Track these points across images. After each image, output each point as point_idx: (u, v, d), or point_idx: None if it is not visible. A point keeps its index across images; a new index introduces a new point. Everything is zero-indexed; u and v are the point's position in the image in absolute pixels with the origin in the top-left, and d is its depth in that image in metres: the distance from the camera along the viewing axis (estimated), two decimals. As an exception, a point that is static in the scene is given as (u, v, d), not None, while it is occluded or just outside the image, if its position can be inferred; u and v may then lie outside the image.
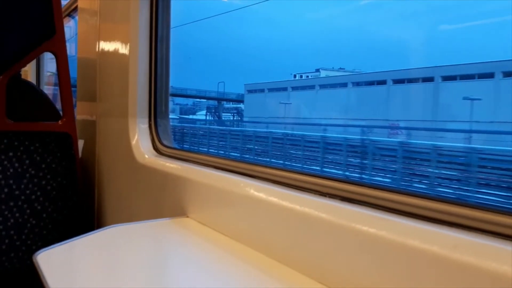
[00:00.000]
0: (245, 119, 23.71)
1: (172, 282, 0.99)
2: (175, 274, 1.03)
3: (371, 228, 0.75)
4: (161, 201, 1.52)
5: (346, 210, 0.84)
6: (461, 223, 0.69)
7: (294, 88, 20.74)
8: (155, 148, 1.70)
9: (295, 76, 24.08)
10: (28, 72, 3.85)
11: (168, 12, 1.76)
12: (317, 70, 23.37)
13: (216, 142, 16.03)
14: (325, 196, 0.92)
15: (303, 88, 20.75)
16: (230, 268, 0.99)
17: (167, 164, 1.52)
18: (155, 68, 1.75)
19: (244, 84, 24.95)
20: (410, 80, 14.75)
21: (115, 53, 1.89)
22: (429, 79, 13.56)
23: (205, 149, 15.15)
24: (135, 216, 1.71)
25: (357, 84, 17.22)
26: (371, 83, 16.44)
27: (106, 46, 1.99)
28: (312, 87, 19.75)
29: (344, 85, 17.75)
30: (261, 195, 1.03)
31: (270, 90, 22.16)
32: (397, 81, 15.13)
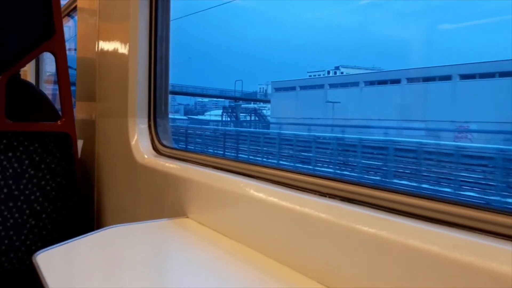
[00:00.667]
0: (271, 120, 21.08)
1: (172, 282, 0.99)
2: (175, 274, 1.03)
3: (371, 228, 0.75)
4: (160, 202, 1.52)
5: (346, 210, 0.84)
6: (461, 223, 0.69)
7: (333, 86, 18.40)
8: (155, 148, 1.70)
9: (328, 72, 21.76)
10: (28, 72, 3.85)
11: (168, 11, 1.76)
12: (337, 68, 21.67)
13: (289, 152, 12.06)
14: (325, 196, 0.92)
15: (344, 85, 18.19)
16: (230, 268, 0.99)
17: (167, 164, 1.52)
18: (155, 68, 1.75)
19: (271, 82, 22.83)
20: (483, 75, 12.00)
21: (115, 53, 1.89)
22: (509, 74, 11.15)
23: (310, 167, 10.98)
24: (135, 217, 1.71)
25: (413, 80, 14.47)
26: (431, 79, 13.80)
27: (106, 46, 1.98)
28: (355, 84, 16.98)
29: (397, 81, 15.02)
30: (261, 195, 1.03)
31: (303, 87, 19.87)
32: (466, 76, 12.48)
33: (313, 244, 0.87)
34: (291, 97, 20.35)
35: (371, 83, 16.61)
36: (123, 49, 1.80)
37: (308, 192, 0.96)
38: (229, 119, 23.74)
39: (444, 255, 0.64)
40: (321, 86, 18.94)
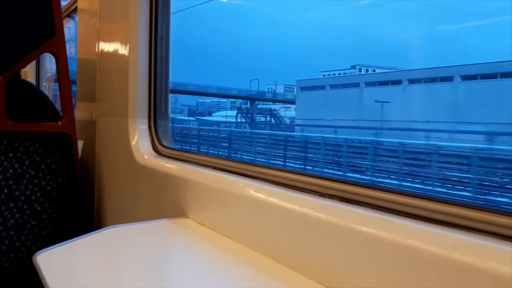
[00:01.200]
0: (297, 121, 19.25)
1: (172, 282, 0.99)
2: (175, 274, 1.03)
3: (370, 229, 0.75)
4: (160, 202, 1.52)
5: (345, 210, 0.84)
6: (460, 223, 0.69)
7: (369, 84, 16.61)
8: (155, 148, 1.70)
9: (361, 70, 20.32)
10: (28, 73, 3.85)
11: (168, 11, 1.76)
12: (353, 67, 20.88)
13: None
14: (324, 196, 0.92)
15: (383, 83, 16.33)
16: (230, 268, 0.99)
17: (167, 164, 1.52)
18: (155, 68, 1.75)
19: (297, 80, 21.19)
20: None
21: (115, 53, 1.89)
22: None
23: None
24: (135, 217, 1.71)
25: (469, 77, 12.63)
26: (491, 76, 11.88)
27: (106, 46, 1.99)
28: (397, 82, 15.21)
29: (449, 79, 13.22)
30: (261, 195, 1.03)
31: (333, 86, 18.21)
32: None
33: (312, 244, 0.87)
34: (321, 96, 18.34)
35: (415, 81, 14.74)
36: (123, 49, 1.81)
37: (307, 192, 0.96)
38: (244, 120, 22.67)
39: (443, 255, 0.64)
40: (356, 85, 17.06)
